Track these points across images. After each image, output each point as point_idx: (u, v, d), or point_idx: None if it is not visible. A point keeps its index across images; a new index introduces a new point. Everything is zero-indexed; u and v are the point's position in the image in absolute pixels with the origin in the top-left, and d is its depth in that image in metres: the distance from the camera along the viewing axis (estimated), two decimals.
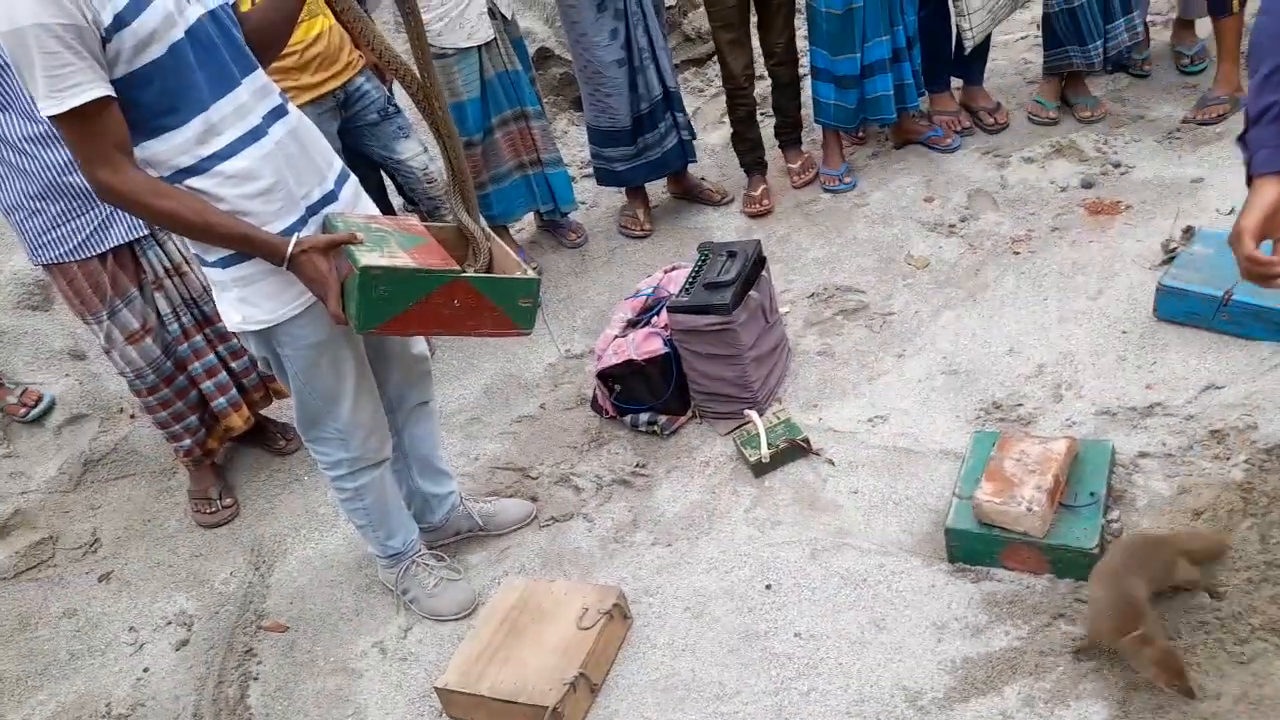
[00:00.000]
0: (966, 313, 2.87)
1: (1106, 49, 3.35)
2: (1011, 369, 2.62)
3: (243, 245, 1.78)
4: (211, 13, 1.74)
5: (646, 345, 2.70)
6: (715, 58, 3.79)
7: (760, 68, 3.60)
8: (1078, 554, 1.98)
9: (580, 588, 2.24)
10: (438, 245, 1.93)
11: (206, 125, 1.71)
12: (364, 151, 3.09)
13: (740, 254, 2.69)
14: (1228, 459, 2.17)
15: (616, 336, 2.78)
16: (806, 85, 3.67)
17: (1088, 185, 3.20)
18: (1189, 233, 2.74)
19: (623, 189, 3.69)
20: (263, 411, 3.03)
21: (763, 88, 3.87)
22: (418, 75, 1.87)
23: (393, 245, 1.81)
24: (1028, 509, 1.99)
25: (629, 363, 2.69)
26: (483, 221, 2.07)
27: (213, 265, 1.85)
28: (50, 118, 1.59)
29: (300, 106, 2.83)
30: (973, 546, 2.09)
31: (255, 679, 2.38)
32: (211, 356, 2.79)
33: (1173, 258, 2.67)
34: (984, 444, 2.25)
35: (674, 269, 2.95)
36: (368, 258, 1.72)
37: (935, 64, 3.57)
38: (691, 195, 3.75)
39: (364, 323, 1.76)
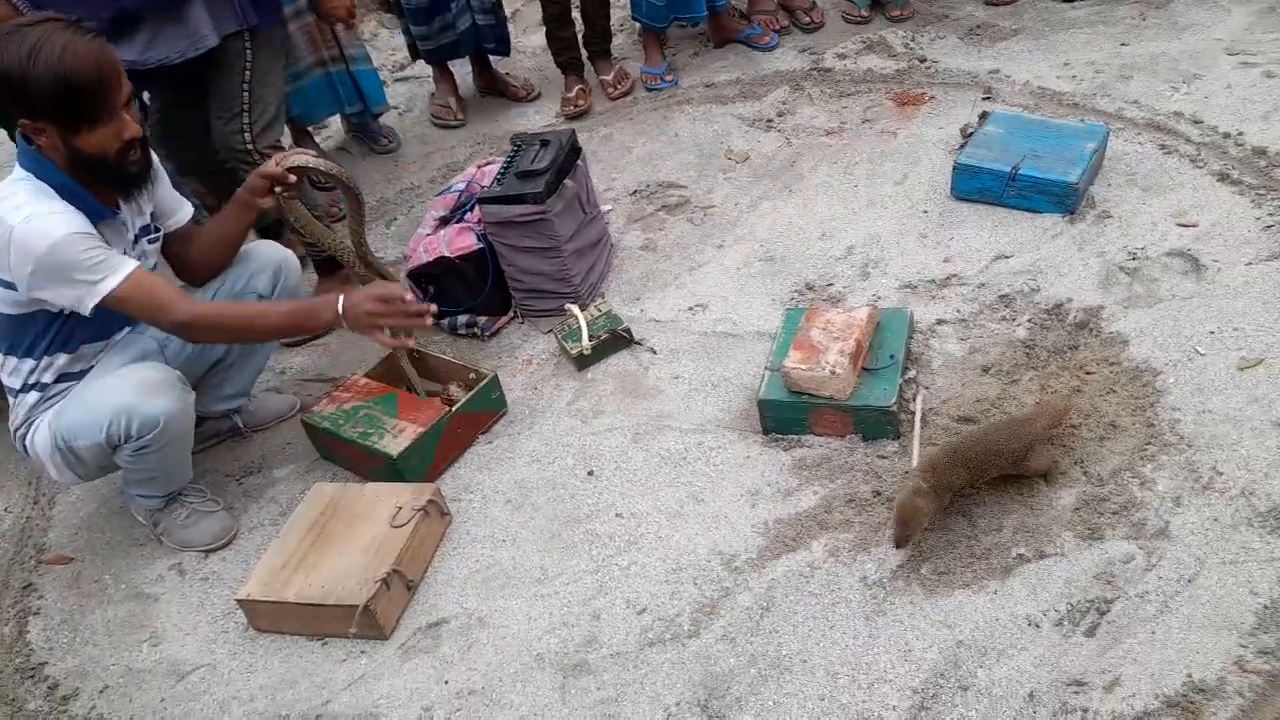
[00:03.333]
0: (783, 203, 2.90)
1: None
2: (824, 252, 2.68)
3: (297, 318, 2.07)
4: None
5: (459, 241, 2.58)
6: None
7: None
8: (878, 412, 2.05)
9: (393, 488, 2.14)
10: (408, 395, 2.35)
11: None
12: None
13: (554, 142, 2.60)
14: (1013, 320, 2.30)
15: (428, 235, 2.65)
16: None
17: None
18: (984, 117, 2.86)
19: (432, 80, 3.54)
20: None
21: None
22: (354, 250, 2.35)
23: (386, 419, 2.25)
24: (831, 372, 2.04)
25: (441, 260, 2.57)
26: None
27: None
28: (102, 304, 1.83)
29: None
30: (783, 415, 2.13)
31: (36, 614, 2.17)
32: None
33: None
34: (794, 319, 2.29)
35: (487, 163, 2.83)
36: (388, 445, 2.18)
37: None
38: (497, 90, 3.61)
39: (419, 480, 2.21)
